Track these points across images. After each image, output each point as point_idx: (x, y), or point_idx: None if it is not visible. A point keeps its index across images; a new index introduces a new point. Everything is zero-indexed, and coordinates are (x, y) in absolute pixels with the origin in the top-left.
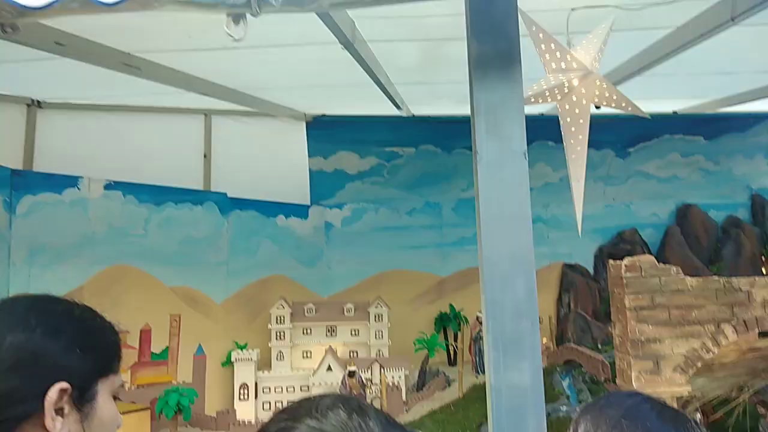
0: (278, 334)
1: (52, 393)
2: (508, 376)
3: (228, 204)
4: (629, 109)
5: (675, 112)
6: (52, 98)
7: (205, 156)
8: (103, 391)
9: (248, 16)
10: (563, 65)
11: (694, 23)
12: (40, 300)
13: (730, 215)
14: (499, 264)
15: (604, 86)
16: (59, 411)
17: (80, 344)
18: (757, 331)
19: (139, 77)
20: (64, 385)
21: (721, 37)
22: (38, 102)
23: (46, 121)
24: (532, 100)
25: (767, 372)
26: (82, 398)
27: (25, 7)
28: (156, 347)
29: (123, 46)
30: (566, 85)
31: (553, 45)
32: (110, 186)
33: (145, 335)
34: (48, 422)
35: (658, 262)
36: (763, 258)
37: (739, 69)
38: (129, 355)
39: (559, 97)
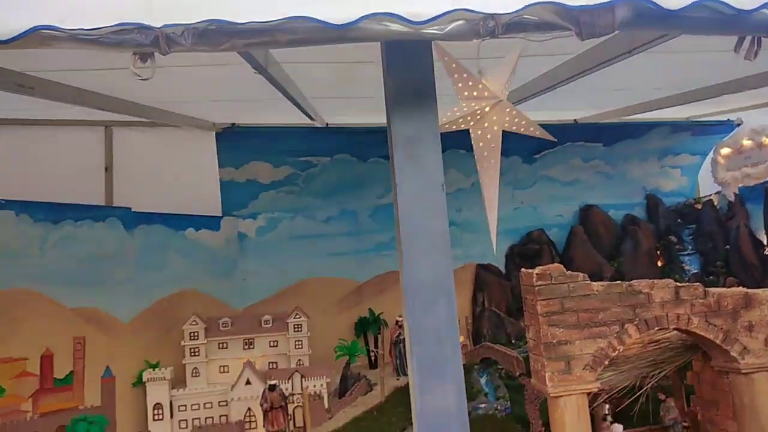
0: (192, 350)
1: None
2: (434, 401)
3: (133, 219)
4: (537, 133)
5: (576, 121)
6: None
7: (106, 169)
8: None
9: (156, 54)
10: (475, 93)
11: (595, 51)
12: None
13: (628, 214)
14: (421, 291)
15: (514, 113)
16: None
17: None
18: (657, 328)
19: (33, 96)
20: None
21: (619, 63)
22: None
23: None
24: (446, 127)
25: (666, 362)
26: None
27: None
28: (59, 372)
29: (15, 66)
30: (478, 112)
31: (465, 74)
32: (1, 205)
33: (46, 361)
34: None
35: (564, 259)
36: (658, 252)
37: (634, 86)
38: (30, 383)
39: (471, 124)
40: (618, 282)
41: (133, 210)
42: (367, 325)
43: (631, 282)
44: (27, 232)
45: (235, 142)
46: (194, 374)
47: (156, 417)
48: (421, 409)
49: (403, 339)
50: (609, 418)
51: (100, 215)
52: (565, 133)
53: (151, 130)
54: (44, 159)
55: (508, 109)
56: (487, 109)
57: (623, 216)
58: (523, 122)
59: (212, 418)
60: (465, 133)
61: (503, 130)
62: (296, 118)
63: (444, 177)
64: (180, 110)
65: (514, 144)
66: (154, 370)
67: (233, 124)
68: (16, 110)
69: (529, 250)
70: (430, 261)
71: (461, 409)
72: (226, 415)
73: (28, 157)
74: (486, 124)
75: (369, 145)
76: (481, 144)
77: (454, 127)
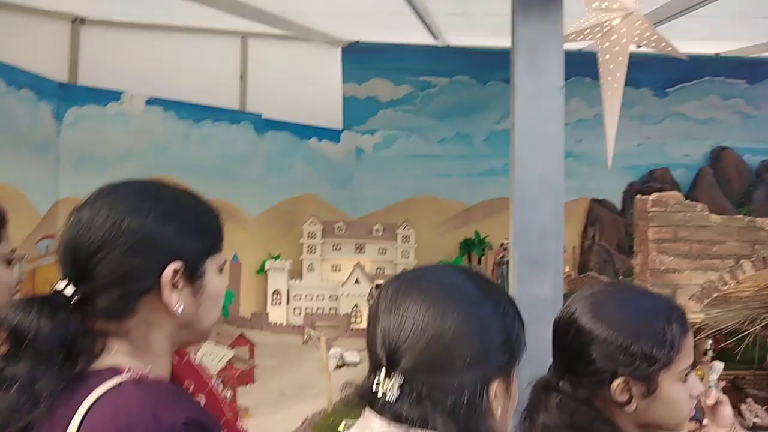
0: (309, 248)
1: (168, 271)
2: (531, 288)
3: (263, 125)
4: (668, 50)
5: (717, 54)
6: (95, 15)
7: (241, 77)
8: (211, 267)
9: None
10: (605, 4)
11: None
12: (149, 187)
13: (766, 160)
14: (529, 188)
15: (645, 26)
16: (174, 286)
17: (189, 227)
18: None
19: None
20: (177, 264)
21: None
22: (81, 19)
23: (89, 37)
24: (572, 37)
25: None
26: (193, 275)
27: None
28: None
29: None
30: (607, 24)
31: None
32: (151, 101)
33: None
34: (165, 296)
35: (687, 200)
36: None
37: None
38: None
39: (599, 36)
40: (739, 216)
41: (263, 117)
42: (472, 246)
43: (754, 218)
44: (172, 128)
45: (359, 58)
46: (310, 269)
47: (274, 302)
48: (519, 296)
49: (507, 261)
50: (710, 353)
51: (235, 118)
52: (704, 67)
53: (283, 42)
54: (187, 63)
55: (638, 23)
56: (616, 21)
57: (760, 162)
58: (654, 38)
59: (323, 309)
60: (591, 61)
61: (631, 53)
62: (419, 37)
63: (566, 103)
64: (310, 24)
65: (646, 74)
66: (275, 260)
67: (358, 40)
68: (160, 14)
69: (649, 188)
70: (540, 159)
71: (558, 300)
72: (336, 308)
73: (173, 60)
74: (614, 37)
75: (489, 67)
76: (607, 56)
77: (580, 38)
